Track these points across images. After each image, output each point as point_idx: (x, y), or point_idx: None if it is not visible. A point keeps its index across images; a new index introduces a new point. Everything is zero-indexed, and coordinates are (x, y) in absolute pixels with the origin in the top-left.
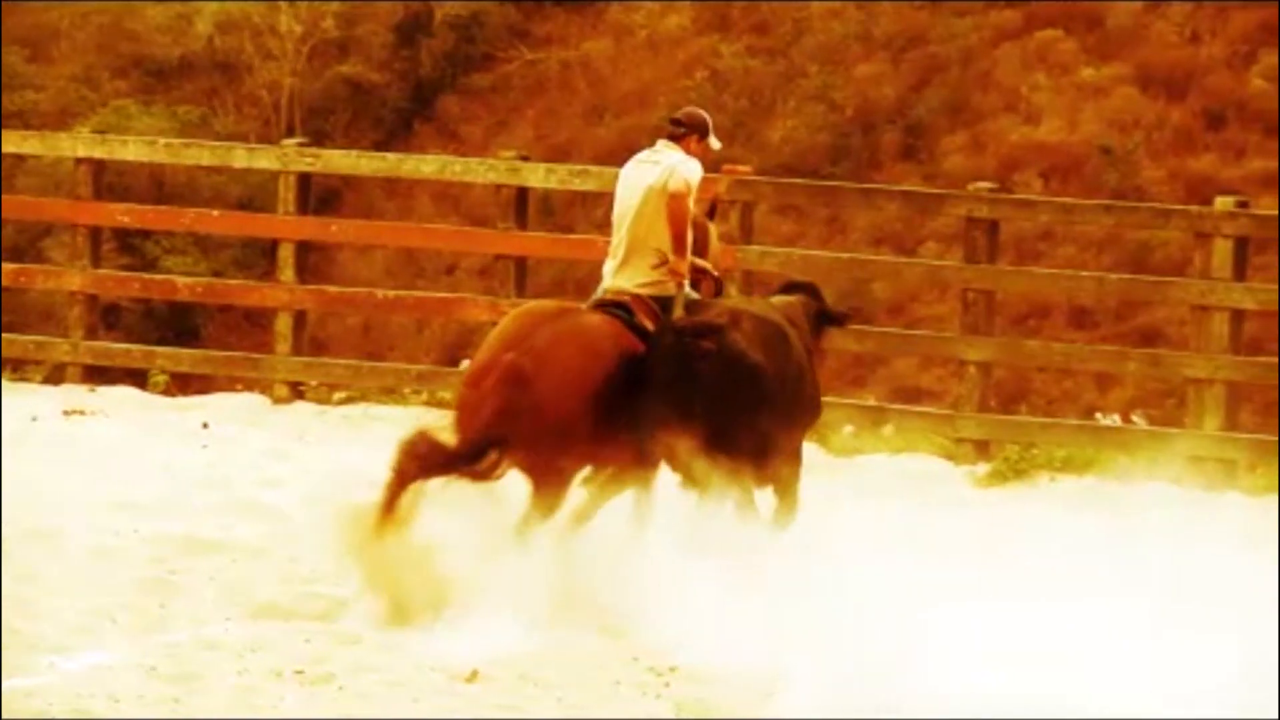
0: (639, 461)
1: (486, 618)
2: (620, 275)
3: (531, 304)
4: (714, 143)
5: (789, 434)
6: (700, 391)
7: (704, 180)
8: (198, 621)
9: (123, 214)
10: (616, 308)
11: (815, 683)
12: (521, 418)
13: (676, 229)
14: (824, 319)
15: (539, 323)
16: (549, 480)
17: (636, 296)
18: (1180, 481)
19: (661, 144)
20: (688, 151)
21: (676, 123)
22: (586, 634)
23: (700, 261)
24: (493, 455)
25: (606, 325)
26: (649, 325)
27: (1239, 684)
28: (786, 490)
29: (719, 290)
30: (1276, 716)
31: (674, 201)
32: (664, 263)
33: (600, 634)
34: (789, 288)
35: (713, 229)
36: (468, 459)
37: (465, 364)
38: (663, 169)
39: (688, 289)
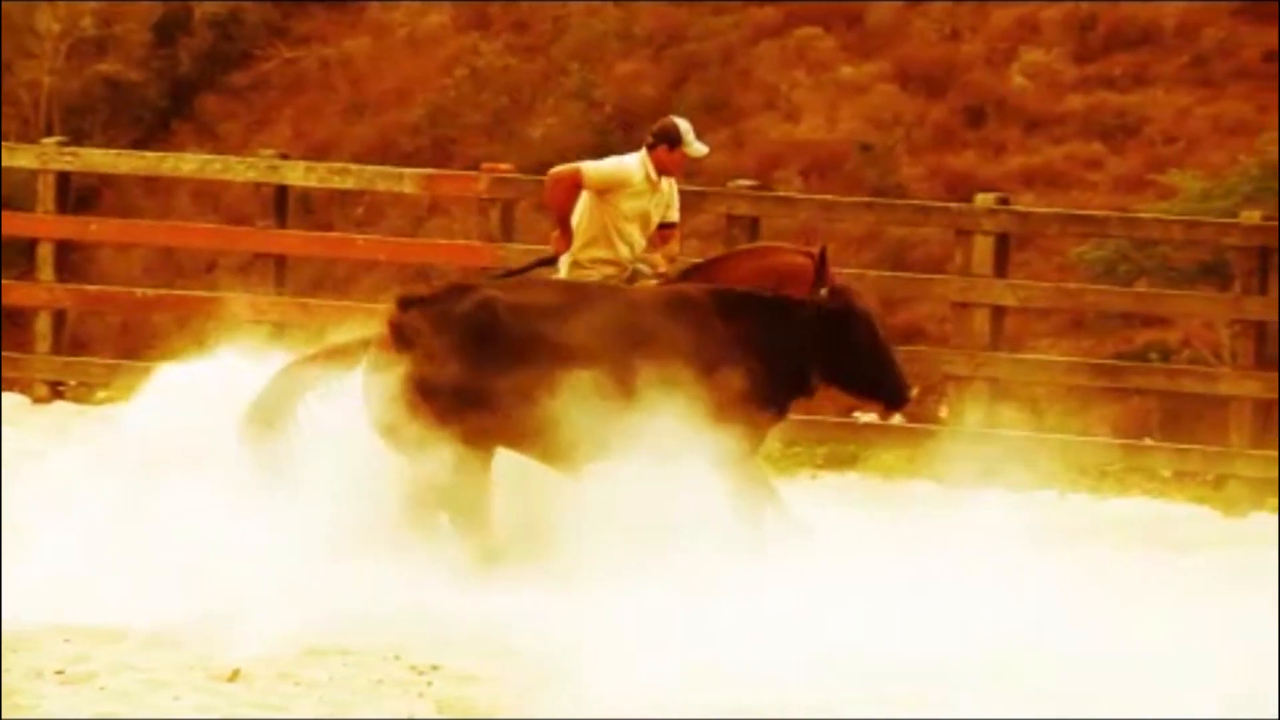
0: None
1: (249, 615)
2: None
3: None
4: (694, 149)
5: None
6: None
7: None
8: None
9: None
10: None
11: (576, 682)
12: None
13: (551, 211)
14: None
15: None
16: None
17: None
18: (941, 478)
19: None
20: (657, 160)
21: (650, 134)
22: (349, 632)
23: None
24: None
25: None
26: None
27: (1000, 677)
28: (738, 506)
29: None
30: (1277, 716)
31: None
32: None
33: (363, 632)
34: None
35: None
36: None
37: None
38: None
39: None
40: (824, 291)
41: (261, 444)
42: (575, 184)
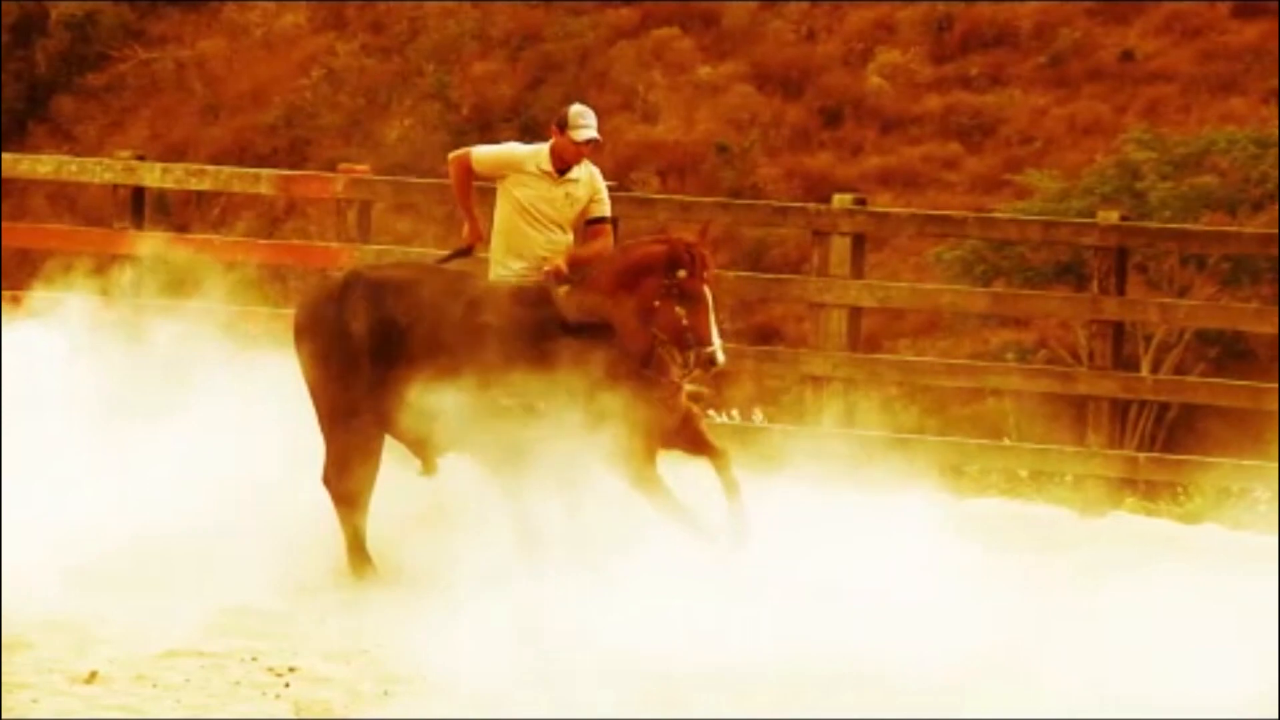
0: None
1: (111, 617)
2: None
3: None
4: (579, 134)
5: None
6: None
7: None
8: None
9: None
10: None
11: (429, 683)
12: None
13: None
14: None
15: None
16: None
17: None
18: (800, 478)
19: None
20: (554, 146)
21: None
22: (207, 635)
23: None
24: None
25: None
26: None
27: (863, 676)
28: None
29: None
30: (1277, 716)
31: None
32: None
33: (220, 635)
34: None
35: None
36: None
37: None
38: None
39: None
40: (681, 274)
41: None
42: (465, 166)
